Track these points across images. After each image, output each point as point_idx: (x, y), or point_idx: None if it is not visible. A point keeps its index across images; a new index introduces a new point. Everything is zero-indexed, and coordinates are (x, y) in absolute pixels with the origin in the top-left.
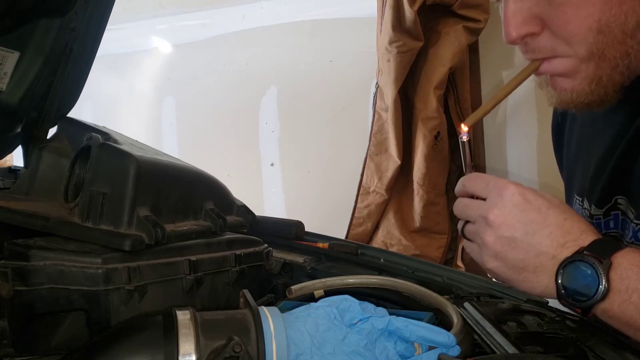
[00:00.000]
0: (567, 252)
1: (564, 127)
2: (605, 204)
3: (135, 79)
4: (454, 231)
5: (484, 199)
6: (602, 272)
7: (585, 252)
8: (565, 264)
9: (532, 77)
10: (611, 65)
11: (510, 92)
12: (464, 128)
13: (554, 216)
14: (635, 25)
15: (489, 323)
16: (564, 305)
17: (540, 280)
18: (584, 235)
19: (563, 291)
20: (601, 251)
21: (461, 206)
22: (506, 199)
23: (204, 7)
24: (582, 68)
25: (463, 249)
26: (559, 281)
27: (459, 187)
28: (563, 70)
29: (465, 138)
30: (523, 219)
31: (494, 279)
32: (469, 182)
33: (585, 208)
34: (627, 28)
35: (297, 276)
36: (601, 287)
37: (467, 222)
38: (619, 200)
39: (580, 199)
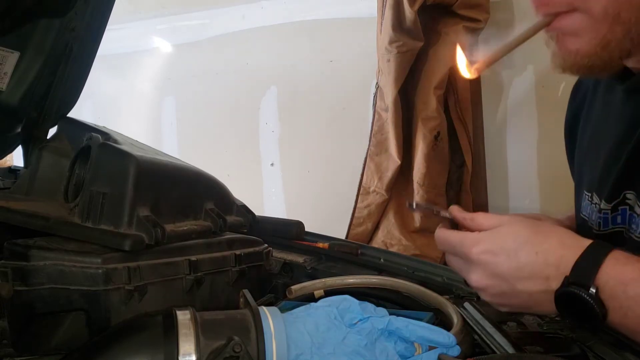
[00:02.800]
0: (555, 284)
1: (577, 124)
2: (614, 199)
3: (135, 79)
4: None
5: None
6: (593, 303)
7: (570, 282)
8: (558, 296)
9: (532, 77)
10: (624, 29)
11: (519, 44)
12: (471, 73)
13: (524, 256)
14: None
15: (489, 323)
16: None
17: (548, 310)
18: (563, 261)
19: (565, 314)
20: (585, 277)
21: (441, 236)
22: (475, 263)
23: (204, 7)
24: (594, 28)
25: None
26: (562, 308)
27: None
28: (574, 28)
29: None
30: (500, 274)
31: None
32: (439, 243)
33: (595, 203)
34: None
35: (297, 276)
36: (599, 313)
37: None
38: (628, 195)
39: (590, 194)
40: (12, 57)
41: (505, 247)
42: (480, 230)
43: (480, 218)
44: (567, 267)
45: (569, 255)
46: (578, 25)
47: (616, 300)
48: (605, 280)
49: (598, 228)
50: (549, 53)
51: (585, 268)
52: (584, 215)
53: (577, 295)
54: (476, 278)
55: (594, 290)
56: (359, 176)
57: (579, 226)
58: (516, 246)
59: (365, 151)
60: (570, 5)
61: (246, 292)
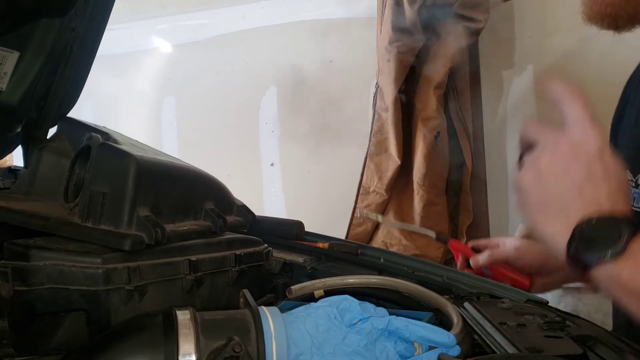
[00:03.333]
0: (599, 211)
1: (626, 105)
2: None
3: (135, 79)
4: (454, 231)
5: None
6: (624, 233)
7: (617, 214)
8: (591, 217)
9: (532, 77)
10: None
11: None
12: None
13: (612, 182)
14: None
15: (489, 323)
16: (568, 258)
17: (555, 223)
18: (623, 207)
19: (577, 240)
20: (630, 222)
21: (534, 125)
22: (585, 140)
23: (204, 7)
24: None
25: None
26: (578, 231)
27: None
28: None
29: None
30: (586, 166)
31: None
32: (569, 102)
33: (631, 180)
34: None
35: (297, 276)
36: (619, 245)
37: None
38: None
39: (630, 180)
40: (12, 57)
41: (612, 161)
42: None
43: None
44: (621, 209)
45: (629, 211)
46: None
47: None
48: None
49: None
50: (580, 3)
51: (635, 220)
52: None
53: (614, 222)
54: (573, 146)
55: (633, 229)
56: (359, 176)
57: None
58: (615, 169)
59: (365, 151)
60: None
61: (246, 292)
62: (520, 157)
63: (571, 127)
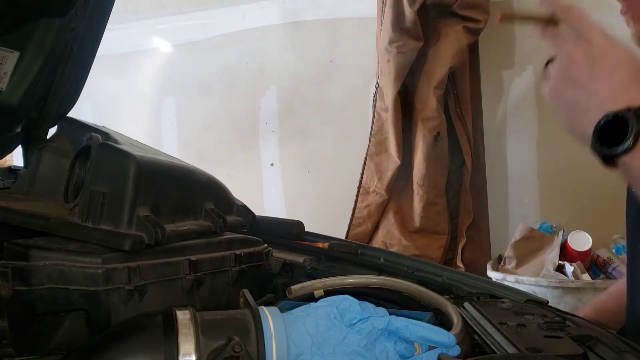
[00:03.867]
0: (615, 106)
1: None
2: None
3: (135, 79)
4: (454, 231)
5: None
6: (635, 128)
7: (631, 110)
8: (608, 115)
9: (532, 77)
10: None
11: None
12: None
13: (622, 73)
14: None
15: (489, 323)
16: (594, 154)
17: (584, 122)
18: (638, 98)
19: (596, 138)
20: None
21: (552, 33)
22: (592, 45)
23: (204, 7)
24: None
25: (463, 249)
26: (598, 129)
27: (558, 8)
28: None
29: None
30: (594, 65)
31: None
32: (568, 15)
33: None
34: None
35: (297, 276)
36: (628, 142)
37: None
38: None
39: None
40: (12, 57)
41: (626, 54)
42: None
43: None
44: (637, 102)
45: None
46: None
47: None
48: None
49: None
50: (630, 33)
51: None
52: None
53: (626, 118)
54: (602, 41)
55: None
56: (359, 176)
57: None
58: (626, 60)
59: (365, 151)
60: None
61: (246, 292)
62: (547, 65)
63: (577, 32)
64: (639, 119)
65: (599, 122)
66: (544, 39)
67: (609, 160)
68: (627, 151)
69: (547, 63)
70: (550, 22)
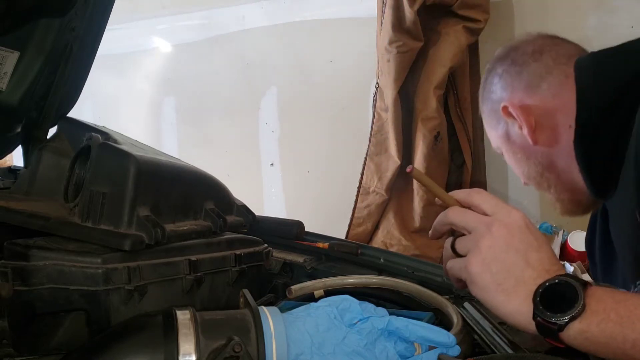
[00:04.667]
0: (548, 276)
1: (593, 242)
2: None
3: (135, 79)
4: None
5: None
6: (581, 290)
7: (564, 276)
8: (546, 283)
9: None
10: (547, 188)
11: (441, 199)
12: (410, 168)
13: (547, 248)
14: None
15: (489, 323)
16: (538, 326)
17: (517, 296)
18: (561, 270)
19: (541, 307)
20: (577, 279)
21: (459, 212)
22: (513, 219)
23: (204, 7)
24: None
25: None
26: (537, 299)
27: (461, 196)
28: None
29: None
30: (521, 238)
31: (468, 289)
32: (478, 195)
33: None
34: (537, 171)
35: (297, 276)
36: (580, 302)
37: (456, 237)
38: None
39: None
40: (12, 57)
41: (538, 231)
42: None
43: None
44: (565, 274)
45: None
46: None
47: (601, 304)
48: (596, 289)
49: None
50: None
51: (580, 278)
52: None
53: (567, 283)
54: (504, 226)
55: (585, 286)
56: (359, 176)
57: None
58: (545, 238)
59: (365, 151)
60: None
61: (246, 292)
62: (452, 246)
63: (494, 212)
64: (579, 282)
65: (537, 292)
66: (448, 220)
67: (559, 332)
68: (579, 314)
69: (453, 242)
70: (451, 202)
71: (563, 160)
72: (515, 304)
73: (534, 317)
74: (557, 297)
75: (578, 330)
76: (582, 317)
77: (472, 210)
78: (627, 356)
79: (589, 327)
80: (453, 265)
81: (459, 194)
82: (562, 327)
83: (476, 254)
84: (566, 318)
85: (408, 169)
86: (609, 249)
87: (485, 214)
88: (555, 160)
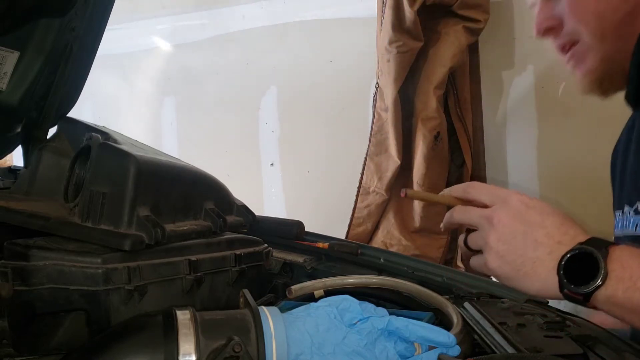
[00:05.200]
0: (564, 248)
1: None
2: None
3: (135, 79)
4: (454, 231)
5: (486, 207)
6: (601, 258)
7: (583, 244)
8: (566, 254)
9: (532, 77)
10: (611, 45)
11: (442, 204)
12: (404, 192)
13: (552, 219)
14: (623, 15)
15: (489, 323)
16: (566, 296)
17: (538, 275)
18: (579, 236)
19: (565, 280)
20: (597, 244)
21: (462, 211)
22: (510, 204)
23: (204, 7)
24: (591, 50)
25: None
26: (561, 272)
27: (459, 193)
28: (579, 56)
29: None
30: (523, 220)
31: (497, 280)
32: (473, 189)
33: (628, 213)
34: (618, 15)
35: (297, 276)
36: (602, 272)
37: (468, 233)
38: None
39: (627, 207)
40: (12, 57)
41: (539, 205)
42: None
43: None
44: (582, 238)
45: (585, 235)
46: (580, 52)
47: (627, 271)
48: (620, 253)
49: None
50: (576, 83)
51: (599, 240)
52: (618, 233)
53: (586, 253)
54: (502, 215)
55: (607, 251)
56: (359, 176)
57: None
58: (548, 210)
59: (365, 151)
60: (570, 36)
61: (246, 292)
62: (465, 244)
63: (492, 202)
64: (599, 249)
65: (560, 266)
66: (455, 220)
67: (589, 299)
68: (604, 282)
69: (465, 239)
70: (455, 203)
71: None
72: (539, 283)
73: (561, 290)
74: (581, 266)
75: (604, 297)
76: (607, 285)
77: (473, 204)
78: None
79: (615, 294)
80: (473, 263)
81: (457, 190)
82: (588, 297)
83: (488, 251)
84: (591, 288)
85: (402, 194)
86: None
87: (486, 206)
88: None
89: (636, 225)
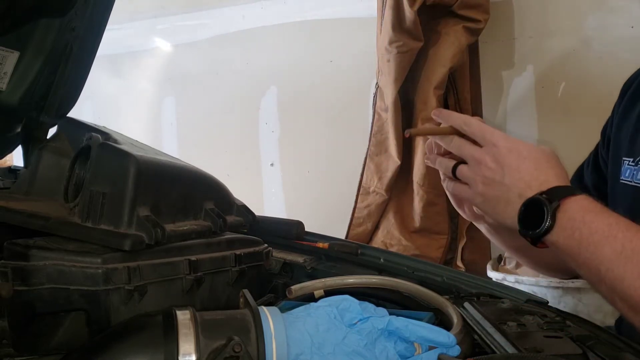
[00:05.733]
0: (531, 193)
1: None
2: None
3: (135, 79)
4: (454, 231)
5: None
6: (548, 211)
7: (542, 194)
8: (525, 202)
9: (532, 77)
10: None
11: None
12: (408, 133)
13: (527, 164)
14: None
15: (489, 323)
16: (522, 237)
17: (509, 214)
18: (547, 182)
19: (520, 223)
20: (555, 195)
21: (457, 144)
22: (496, 148)
23: (204, 7)
24: None
25: (463, 249)
26: (520, 216)
27: (458, 123)
28: None
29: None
30: (504, 164)
31: (479, 210)
32: (469, 127)
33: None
34: None
35: (297, 276)
36: (546, 223)
37: (458, 165)
38: None
39: (631, 159)
40: (12, 57)
41: (523, 149)
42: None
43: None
44: (546, 186)
45: (554, 181)
46: None
47: (571, 222)
48: (571, 205)
49: None
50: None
51: (560, 190)
52: (626, 180)
53: (540, 203)
54: (488, 159)
55: (557, 204)
56: (359, 176)
57: (620, 194)
58: (528, 154)
59: (365, 151)
60: None
61: (246, 292)
62: (453, 171)
63: (483, 144)
64: (550, 201)
65: (520, 210)
66: (451, 149)
67: (538, 241)
68: (549, 230)
69: (454, 168)
70: (452, 133)
71: None
72: (510, 220)
73: (519, 231)
74: (535, 212)
75: (550, 241)
76: (553, 231)
77: (468, 139)
78: (579, 269)
79: (558, 240)
80: (457, 190)
81: (455, 121)
82: (535, 240)
83: (474, 188)
84: (536, 233)
85: (406, 134)
86: None
87: (478, 144)
88: None
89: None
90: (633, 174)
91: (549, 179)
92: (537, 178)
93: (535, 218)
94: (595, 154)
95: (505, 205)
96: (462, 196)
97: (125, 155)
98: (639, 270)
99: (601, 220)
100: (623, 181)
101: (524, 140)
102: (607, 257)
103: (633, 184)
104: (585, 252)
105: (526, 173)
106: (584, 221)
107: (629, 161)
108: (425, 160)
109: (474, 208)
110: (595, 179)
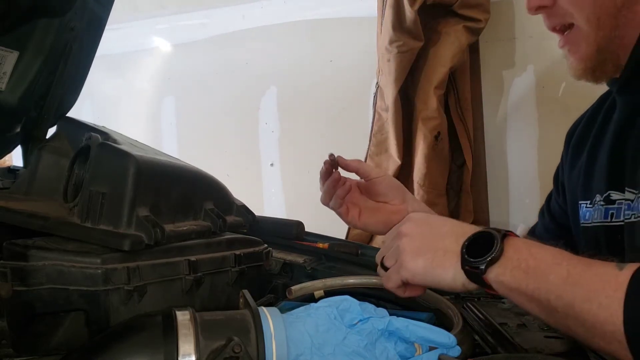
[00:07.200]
0: (468, 234)
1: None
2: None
3: (135, 79)
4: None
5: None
6: (498, 240)
7: (484, 230)
8: (471, 237)
9: (532, 77)
10: (606, 33)
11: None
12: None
13: (452, 221)
14: (621, 3)
15: (489, 323)
16: (467, 274)
17: (450, 262)
18: (475, 228)
19: (466, 256)
20: (497, 230)
21: (383, 250)
22: (411, 218)
23: (204, 7)
24: (586, 36)
25: None
26: (464, 250)
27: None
28: (574, 41)
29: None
30: (427, 223)
31: (414, 282)
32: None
33: (599, 203)
34: (616, 3)
35: (297, 276)
36: (496, 249)
37: (382, 260)
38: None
39: (598, 197)
40: (12, 56)
41: (434, 220)
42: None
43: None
44: (483, 229)
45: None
46: (575, 38)
47: (517, 254)
48: (516, 240)
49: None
50: (567, 66)
51: (500, 229)
52: (586, 223)
53: (487, 233)
54: (406, 227)
55: (504, 233)
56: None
57: (583, 238)
58: (444, 221)
59: (365, 151)
60: (563, 18)
61: (246, 292)
62: (382, 265)
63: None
64: (498, 231)
65: (464, 244)
66: (377, 261)
67: (483, 273)
68: (496, 259)
69: (382, 262)
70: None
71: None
72: (452, 270)
73: (462, 267)
74: (480, 247)
75: (495, 273)
76: (500, 262)
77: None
78: (528, 303)
79: (504, 272)
80: (391, 276)
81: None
82: (483, 270)
83: (404, 255)
84: (486, 260)
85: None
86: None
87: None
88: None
89: (611, 215)
90: (591, 214)
91: (479, 227)
92: (468, 226)
93: (481, 250)
94: (548, 200)
95: (444, 256)
96: (394, 279)
97: (125, 155)
98: (587, 294)
99: (545, 251)
100: (583, 224)
101: (524, 141)
102: (554, 284)
103: (592, 224)
104: (533, 282)
105: (455, 225)
106: (530, 252)
107: (586, 204)
108: None
109: None
110: (550, 224)
